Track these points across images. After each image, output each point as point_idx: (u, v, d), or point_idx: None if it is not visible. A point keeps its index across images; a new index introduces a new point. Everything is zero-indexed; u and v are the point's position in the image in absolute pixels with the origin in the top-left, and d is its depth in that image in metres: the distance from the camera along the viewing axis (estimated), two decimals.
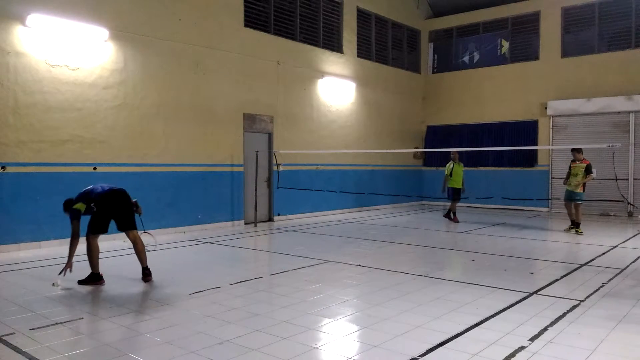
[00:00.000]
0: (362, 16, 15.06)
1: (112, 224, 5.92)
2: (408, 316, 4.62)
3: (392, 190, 15.60)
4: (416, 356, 3.66)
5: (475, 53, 16.66)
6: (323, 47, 13.66)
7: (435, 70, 17.65)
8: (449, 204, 12.60)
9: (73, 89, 8.60)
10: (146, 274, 5.94)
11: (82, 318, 4.60)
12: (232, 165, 11.23)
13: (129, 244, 6.57)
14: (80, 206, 5.70)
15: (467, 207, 15.78)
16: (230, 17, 11.13)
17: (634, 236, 9.97)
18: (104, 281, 5.85)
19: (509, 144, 15.25)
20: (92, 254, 5.80)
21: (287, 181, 12.22)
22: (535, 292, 5.50)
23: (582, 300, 5.14)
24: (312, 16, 13.45)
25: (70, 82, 8.56)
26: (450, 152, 12.34)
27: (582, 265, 7.01)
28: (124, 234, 5.97)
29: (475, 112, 16.49)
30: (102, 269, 5.93)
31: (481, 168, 16.07)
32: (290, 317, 4.59)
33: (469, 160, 15.55)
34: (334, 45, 14.11)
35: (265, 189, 12.24)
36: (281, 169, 11.90)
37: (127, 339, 4.15)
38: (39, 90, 8.19)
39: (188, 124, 10.32)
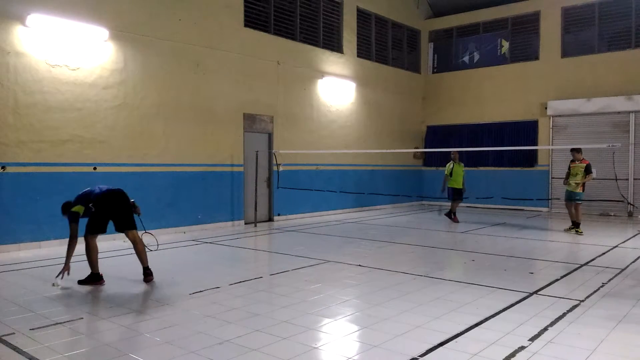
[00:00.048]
0: (362, 16, 15.06)
1: (112, 225, 5.93)
2: (408, 316, 4.62)
3: (392, 190, 15.59)
4: (416, 356, 3.66)
5: (475, 53, 16.66)
6: (323, 47, 13.66)
7: (435, 70, 17.64)
8: (449, 204, 12.61)
9: (73, 89, 8.60)
10: (147, 274, 5.94)
11: (82, 318, 4.60)
12: (232, 165, 11.23)
13: (128, 244, 6.59)
14: (78, 209, 5.71)
15: (467, 207, 15.78)
16: (230, 17, 11.13)
17: (634, 236, 9.97)
18: (104, 281, 5.85)
19: (509, 144, 15.25)
20: (91, 254, 5.80)
21: (287, 181, 12.22)
22: (535, 292, 5.50)
23: (582, 300, 5.14)
24: (312, 16, 13.45)
25: (70, 82, 8.56)
26: (450, 152, 12.33)
27: (582, 265, 7.01)
28: (124, 234, 5.97)
29: (475, 112, 16.48)
30: (102, 269, 5.94)
31: (481, 168, 16.07)
32: (290, 317, 4.59)
33: (469, 160, 15.54)
34: (334, 45, 14.11)
35: (265, 189, 12.23)
36: (281, 169, 11.89)
37: (127, 339, 4.15)
38: (39, 90, 8.19)
39: (188, 124, 10.32)
